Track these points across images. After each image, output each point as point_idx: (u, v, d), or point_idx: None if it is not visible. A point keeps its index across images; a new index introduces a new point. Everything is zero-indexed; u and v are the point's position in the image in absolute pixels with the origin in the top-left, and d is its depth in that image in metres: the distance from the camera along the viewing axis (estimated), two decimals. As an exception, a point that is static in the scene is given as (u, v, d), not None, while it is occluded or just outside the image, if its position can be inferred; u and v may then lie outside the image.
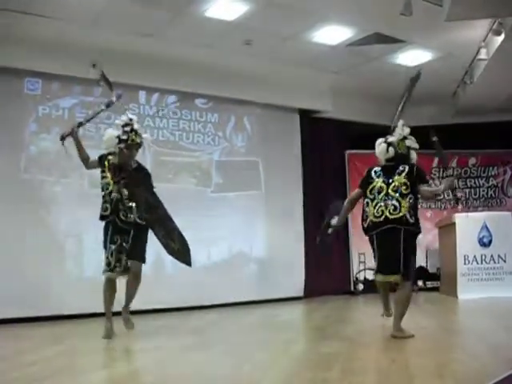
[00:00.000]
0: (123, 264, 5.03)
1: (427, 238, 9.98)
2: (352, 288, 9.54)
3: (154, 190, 5.12)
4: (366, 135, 9.69)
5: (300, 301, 8.52)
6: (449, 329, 5.52)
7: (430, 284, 9.78)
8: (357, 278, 9.60)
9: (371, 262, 9.22)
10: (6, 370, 3.73)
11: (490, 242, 8.26)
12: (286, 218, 8.68)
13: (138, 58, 7.21)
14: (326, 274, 9.14)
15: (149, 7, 6.23)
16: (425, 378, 3.25)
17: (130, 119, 5.07)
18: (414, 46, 7.60)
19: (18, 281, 6.61)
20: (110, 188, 4.98)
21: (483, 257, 8.24)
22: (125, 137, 4.97)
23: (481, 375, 3.21)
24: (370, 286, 9.53)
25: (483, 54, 7.40)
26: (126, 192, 4.93)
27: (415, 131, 10.67)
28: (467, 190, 10.24)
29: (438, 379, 3.19)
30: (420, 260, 9.90)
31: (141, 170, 5.18)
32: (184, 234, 7.83)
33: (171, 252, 5.04)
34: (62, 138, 5.07)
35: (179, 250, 5.04)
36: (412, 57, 7.97)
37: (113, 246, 4.98)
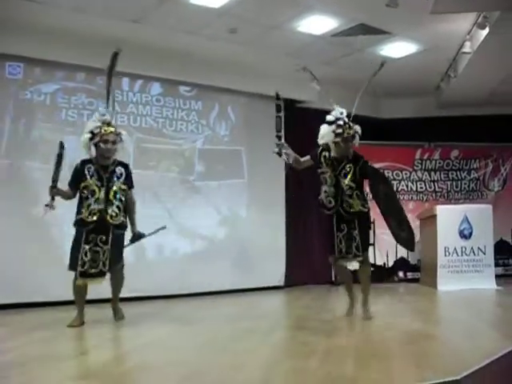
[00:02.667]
0: (354, 251, 5.18)
1: (408, 230, 10.05)
2: (333, 278, 9.57)
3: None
4: (350, 126, 9.76)
5: (281, 290, 8.54)
6: (428, 319, 5.57)
7: (410, 275, 9.86)
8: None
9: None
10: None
11: (471, 234, 8.32)
12: (268, 208, 8.69)
13: (122, 44, 7.11)
14: (307, 263, 9.18)
15: (133, -8, 6.18)
16: (403, 368, 3.28)
17: (341, 112, 5.21)
18: (399, 37, 7.61)
19: None
20: (329, 181, 5.15)
21: (463, 249, 8.30)
22: (340, 130, 5.09)
23: (458, 365, 3.23)
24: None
25: (467, 48, 7.44)
26: (346, 183, 5.07)
27: (399, 123, 10.76)
28: (449, 183, 10.32)
29: (416, 369, 3.22)
30: (401, 251, 9.98)
31: (359, 160, 5.21)
32: (165, 222, 7.87)
33: (399, 240, 5.29)
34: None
35: (407, 238, 5.24)
36: (397, 49, 7.99)
37: (340, 234, 5.18)
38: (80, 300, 5.07)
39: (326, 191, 5.18)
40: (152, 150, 7.90)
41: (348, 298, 5.51)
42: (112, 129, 5.11)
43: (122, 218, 5.11)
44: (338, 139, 5.06)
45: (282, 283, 8.77)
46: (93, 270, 4.97)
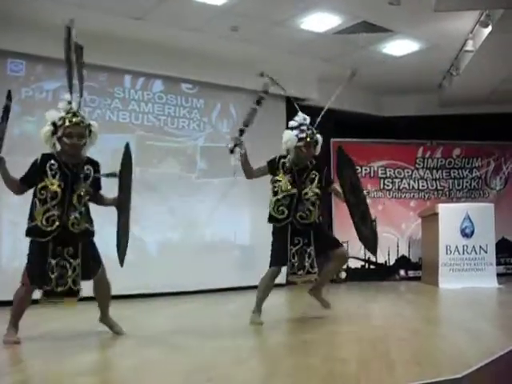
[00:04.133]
0: (307, 268, 5.05)
1: (410, 228, 10.06)
2: (334, 276, 9.56)
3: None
4: (352, 124, 9.76)
5: (282, 288, 8.50)
6: (429, 317, 5.57)
7: (411, 273, 9.87)
8: (339, 267, 9.62)
9: (354, 251, 9.33)
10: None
11: (472, 232, 8.33)
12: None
13: (124, 42, 7.15)
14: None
15: (136, -10, 6.19)
16: (404, 366, 3.27)
17: (304, 118, 5.12)
18: (402, 35, 7.60)
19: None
20: (285, 189, 4.99)
21: (465, 247, 8.31)
22: (303, 135, 4.99)
23: (460, 363, 3.23)
24: (352, 274, 9.60)
25: (470, 46, 7.43)
26: (313, 189, 4.98)
27: (401, 121, 10.74)
28: (451, 181, 10.31)
29: (417, 367, 3.22)
30: (403, 249, 10.00)
31: (323, 169, 5.13)
32: (167, 219, 7.91)
33: (360, 237, 5.07)
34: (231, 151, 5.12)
35: (368, 237, 5.08)
36: (399, 46, 7.99)
37: (293, 249, 5.00)
38: (20, 313, 4.18)
39: (278, 200, 5.00)
40: (154, 147, 7.89)
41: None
42: (77, 119, 4.12)
43: (85, 225, 4.16)
44: (300, 143, 4.97)
45: (283, 281, 8.75)
46: (60, 289, 4.06)
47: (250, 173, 5.22)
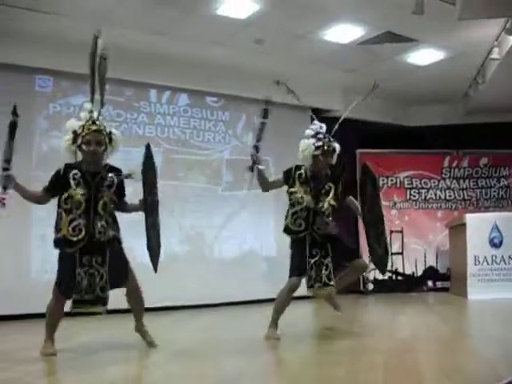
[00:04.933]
0: (324, 280, 4.87)
1: (438, 239, 9.96)
2: (362, 287, 9.51)
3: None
4: (378, 134, 9.73)
5: (308, 299, 8.48)
6: (458, 329, 5.50)
7: (440, 284, 9.77)
8: (367, 278, 9.57)
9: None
10: (9, 366, 3.76)
11: (501, 242, 8.22)
12: (295, 217, 8.66)
13: (149, 56, 7.23)
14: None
15: (160, 5, 6.25)
16: (433, 379, 3.24)
17: (321, 126, 5.05)
18: (426, 45, 7.57)
19: (25, 276, 6.76)
20: (302, 201, 4.88)
21: (494, 257, 8.20)
22: (320, 143, 4.89)
23: (489, 377, 3.19)
24: (380, 286, 9.54)
25: (496, 54, 7.37)
26: (325, 206, 4.82)
27: (426, 131, 10.66)
28: (478, 191, 10.20)
29: (447, 380, 3.18)
30: (430, 260, 9.90)
31: (335, 176, 5.00)
32: (193, 232, 7.94)
33: (373, 256, 4.97)
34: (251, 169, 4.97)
35: (382, 256, 4.91)
36: (424, 56, 7.96)
37: (312, 261, 4.86)
38: (53, 325, 4.23)
39: (295, 212, 4.92)
40: (180, 160, 7.95)
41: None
42: (96, 127, 4.18)
43: (111, 232, 4.15)
44: (317, 152, 4.86)
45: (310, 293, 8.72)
46: (88, 297, 4.04)
47: (266, 186, 5.12)
